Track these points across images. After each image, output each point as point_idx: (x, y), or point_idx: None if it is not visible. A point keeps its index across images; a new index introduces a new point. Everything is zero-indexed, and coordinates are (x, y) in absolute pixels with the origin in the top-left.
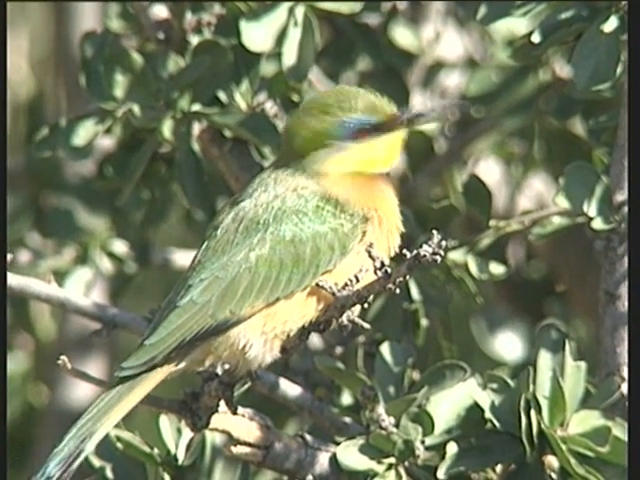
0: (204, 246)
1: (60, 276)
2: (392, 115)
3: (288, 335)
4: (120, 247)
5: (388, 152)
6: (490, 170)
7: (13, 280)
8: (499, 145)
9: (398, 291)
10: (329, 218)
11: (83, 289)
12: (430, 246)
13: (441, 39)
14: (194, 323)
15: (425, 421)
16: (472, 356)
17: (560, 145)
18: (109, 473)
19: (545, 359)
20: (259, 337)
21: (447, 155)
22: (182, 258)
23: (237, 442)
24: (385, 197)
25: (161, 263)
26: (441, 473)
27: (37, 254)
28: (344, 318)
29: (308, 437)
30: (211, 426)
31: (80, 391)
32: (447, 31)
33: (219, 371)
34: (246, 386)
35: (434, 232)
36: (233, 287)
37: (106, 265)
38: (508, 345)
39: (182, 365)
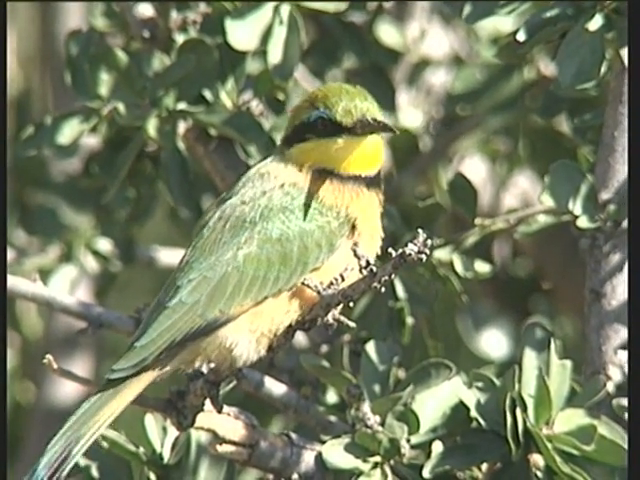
0: (191, 246)
1: (45, 274)
2: (358, 119)
3: (275, 333)
4: (105, 245)
5: (345, 152)
6: (475, 168)
7: None
8: (484, 143)
9: (383, 290)
10: (316, 216)
11: (68, 287)
12: (416, 245)
13: (426, 37)
14: (183, 323)
15: (411, 420)
16: (458, 354)
17: (544, 143)
18: (95, 472)
19: (530, 358)
20: (246, 336)
21: (432, 153)
22: (167, 256)
23: (222, 441)
24: (363, 203)
25: (146, 261)
26: (427, 472)
27: (22, 252)
28: (329, 317)
29: (293, 436)
30: (196, 425)
31: (67, 389)
32: (432, 29)
33: (204, 370)
34: (231, 385)
35: (419, 231)
36: (222, 286)
37: (91, 263)
38: (493, 343)
39: (171, 366)
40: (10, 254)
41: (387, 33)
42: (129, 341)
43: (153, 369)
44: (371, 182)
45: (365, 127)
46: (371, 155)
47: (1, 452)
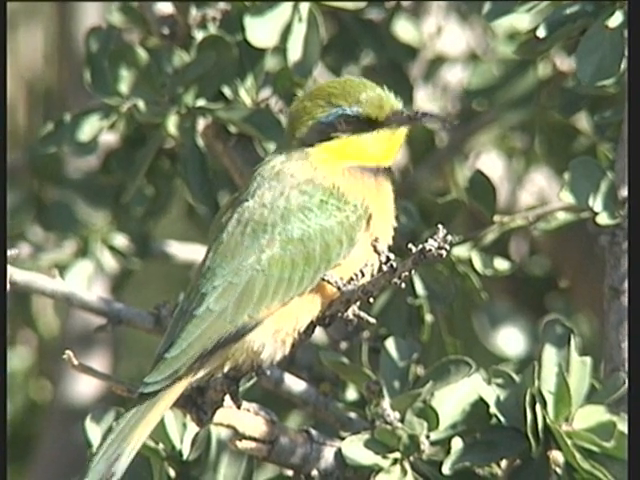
0: (211, 251)
1: (61, 270)
2: (390, 112)
3: (298, 331)
4: (121, 241)
5: (381, 147)
6: (491, 164)
7: (18, 275)
8: (500, 139)
9: (404, 286)
10: (334, 212)
11: (84, 283)
12: (436, 240)
13: (443, 33)
14: (213, 332)
15: (430, 416)
16: (474, 352)
17: (561, 139)
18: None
19: (550, 354)
20: (272, 337)
21: (448, 148)
22: (183, 252)
23: (242, 437)
24: (380, 193)
25: (162, 257)
26: (446, 468)
27: (38, 248)
28: (349, 312)
29: (313, 432)
30: (216, 421)
31: (83, 387)
32: (449, 25)
33: (227, 368)
34: (252, 381)
35: (439, 226)
36: (248, 291)
37: (107, 259)
38: (510, 341)
39: (202, 373)
40: (26, 250)
41: (404, 29)
42: (157, 352)
43: (185, 378)
44: (388, 172)
45: (402, 120)
46: (399, 146)
47: (1, 452)
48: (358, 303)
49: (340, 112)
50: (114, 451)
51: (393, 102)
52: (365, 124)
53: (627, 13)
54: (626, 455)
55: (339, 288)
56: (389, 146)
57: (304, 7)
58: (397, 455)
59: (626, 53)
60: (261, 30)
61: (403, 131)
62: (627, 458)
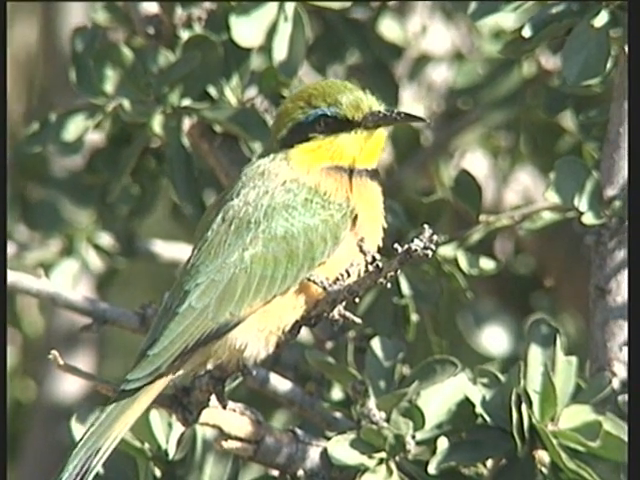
0: (196, 249)
1: (46, 268)
2: (367, 113)
3: (283, 330)
4: (106, 240)
5: (358, 147)
6: (477, 164)
7: None
8: (485, 138)
9: (389, 286)
10: (319, 210)
11: (70, 281)
12: (421, 240)
13: (428, 32)
14: (195, 329)
15: (416, 416)
16: (459, 351)
17: (546, 138)
18: (100, 468)
19: (536, 354)
20: (255, 335)
21: (433, 147)
22: (169, 251)
23: (228, 437)
24: (365, 194)
25: (148, 256)
26: (432, 468)
27: (23, 246)
28: (335, 312)
29: (299, 432)
30: (202, 421)
31: (68, 386)
32: (434, 24)
33: (210, 366)
34: (237, 381)
35: (425, 226)
36: (230, 289)
37: (92, 258)
38: (495, 340)
39: (183, 370)
40: (12, 248)
41: (389, 28)
42: (140, 349)
43: (166, 375)
44: (373, 174)
45: (378, 120)
46: (380, 147)
47: (1, 452)
48: (344, 303)
49: (319, 113)
50: (92, 445)
51: (372, 103)
52: (343, 125)
53: (627, 12)
54: (611, 454)
55: (325, 288)
56: (368, 147)
57: (289, 7)
58: (383, 455)
59: (612, 52)
60: (246, 30)
61: (382, 132)
62: (627, 458)
